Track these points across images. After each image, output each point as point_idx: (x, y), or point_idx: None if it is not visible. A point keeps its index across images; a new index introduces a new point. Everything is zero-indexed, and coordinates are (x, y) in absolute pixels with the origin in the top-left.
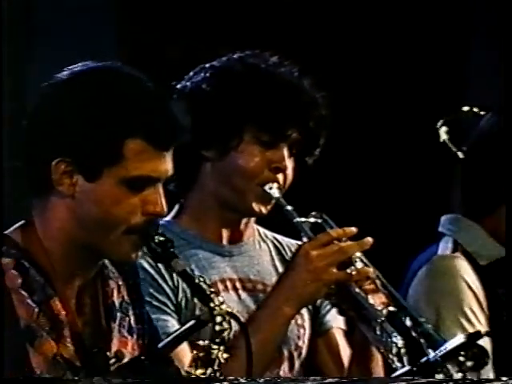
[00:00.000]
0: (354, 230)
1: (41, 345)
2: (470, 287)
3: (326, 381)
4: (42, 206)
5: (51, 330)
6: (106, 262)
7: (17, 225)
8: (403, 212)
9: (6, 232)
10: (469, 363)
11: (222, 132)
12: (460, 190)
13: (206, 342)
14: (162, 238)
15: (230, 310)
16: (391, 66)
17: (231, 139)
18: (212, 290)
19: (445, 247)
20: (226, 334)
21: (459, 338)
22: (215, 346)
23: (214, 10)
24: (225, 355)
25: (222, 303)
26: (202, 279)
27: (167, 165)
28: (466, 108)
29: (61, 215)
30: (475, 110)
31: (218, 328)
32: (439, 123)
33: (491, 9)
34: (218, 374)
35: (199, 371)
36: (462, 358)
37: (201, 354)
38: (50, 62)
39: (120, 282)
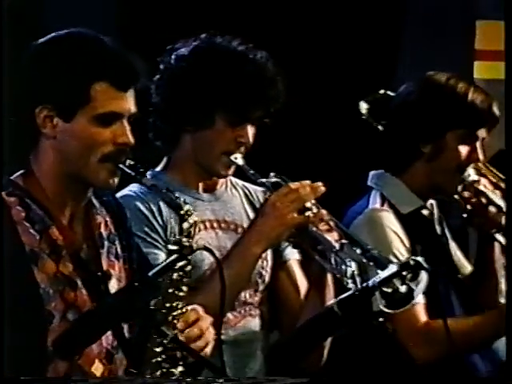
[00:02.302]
0: (307, 182)
1: (43, 264)
2: (396, 234)
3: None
4: (35, 152)
5: (51, 252)
6: (95, 201)
7: (18, 172)
8: (336, 168)
9: (10, 177)
10: (409, 276)
11: (199, 115)
12: (384, 150)
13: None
14: (132, 162)
15: (196, 219)
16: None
17: (206, 121)
18: (178, 199)
19: (374, 201)
20: (193, 235)
21: (392, 267)
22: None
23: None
24: (189, 267)
25: (189, 210)
26: (169, 191)
27: (129, 103)
28: (381, 91)
29: (49, 154)
30: (388, 92)
31: (183, 251)
32: (360, 103)
33: None
34: (184, 280)
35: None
36: (404, 273)
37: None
38: None
39: (107, 219)
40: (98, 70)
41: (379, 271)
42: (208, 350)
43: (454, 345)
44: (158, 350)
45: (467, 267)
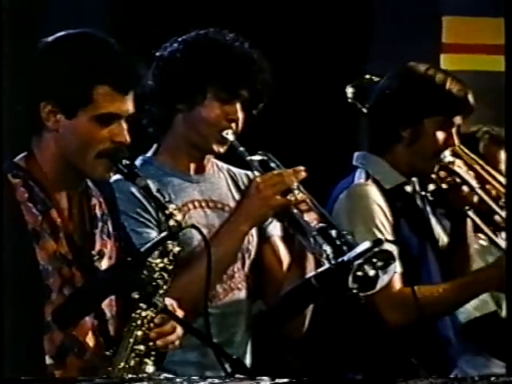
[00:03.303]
0: (290, 171)
1: (44, 243)
2: (379, 206)
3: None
4: (38, 140)
5: (51, 232)
6: (90, 184)
7: (21, 155)
8: (323, 149)
9: (14, 160)
10: (379, 263)
11: (191, 91)
12: (367, 133)
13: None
14: (127, 162)
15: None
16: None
17: (197, 96)
18: (167, 200)
19: (359, 177)
20: (178, 232)
21: (366, 244)
22: (169, 242)
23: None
24: (177, 248)
25: (174, 209)
26: (159, 192)
27: (128, 105)
28: (367, 76)
29: (51, 145)
30: (373, 77)
31: (172, 229)
32: (347, 87)
33: None
34: (172, 264)
35: (158, 260)
36: (374, 260)
37: (159, 248)
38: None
39: (101, 200)
40: (102, 74)
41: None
42: (177, 343)
43: (423, 309)
44: (131, 340)
45: (444, 240)
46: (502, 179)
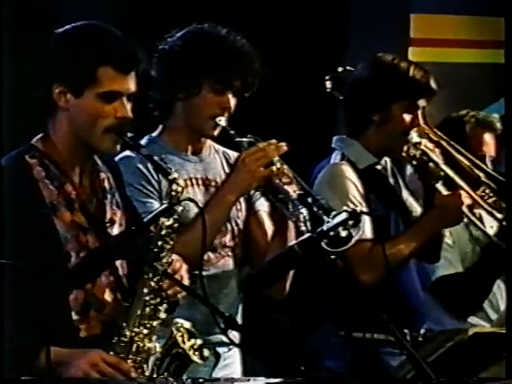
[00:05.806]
0: (274, 141)
1: (61, 214)
2: (353, 183)
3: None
4: (52, 121)
5: (67, 204)
6: (98, 161)
7: (37, 136)
8: (307, 134)
9: (31, 142)
10: (350, 222)
11: (188, 82)
12: (343, 119)
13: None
14: (131, 134)
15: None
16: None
17: (194, 87)
18: (169, 167)
19: (335, 158)
20: (180, 196)
21: (343, 214)
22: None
23: None
24: (168, 222)
25: (177, 177)
26: (162, 161)
27: (129, 84)
28: (340, 68)
29: (64, 124)
30: (348, 68)
31: (173, 193)
32: (326, 78)
33: None
34: (171, 235)
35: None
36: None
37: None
38: None
39: (108, 175)
40: (104, 56)
41: (330, 218)
42: (183, 293)
43: (391, 261)
44: (145, 290)
45: (417, 210)
46: (465, 152)
